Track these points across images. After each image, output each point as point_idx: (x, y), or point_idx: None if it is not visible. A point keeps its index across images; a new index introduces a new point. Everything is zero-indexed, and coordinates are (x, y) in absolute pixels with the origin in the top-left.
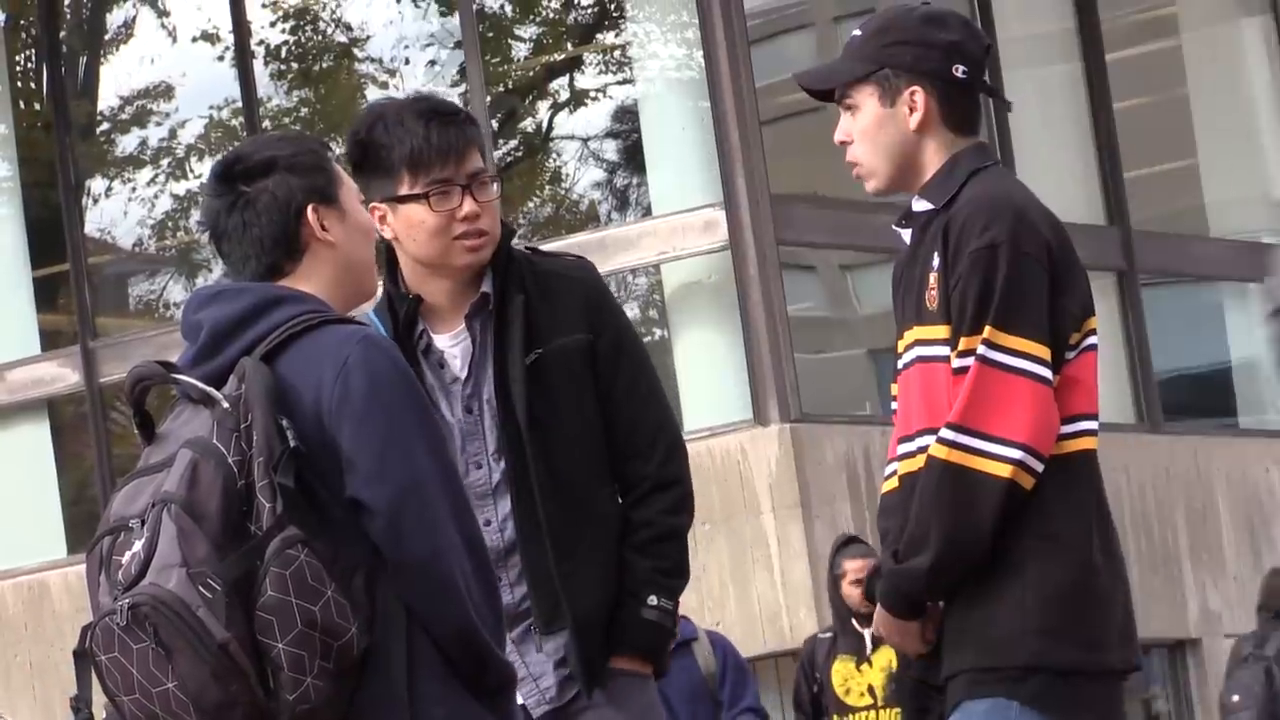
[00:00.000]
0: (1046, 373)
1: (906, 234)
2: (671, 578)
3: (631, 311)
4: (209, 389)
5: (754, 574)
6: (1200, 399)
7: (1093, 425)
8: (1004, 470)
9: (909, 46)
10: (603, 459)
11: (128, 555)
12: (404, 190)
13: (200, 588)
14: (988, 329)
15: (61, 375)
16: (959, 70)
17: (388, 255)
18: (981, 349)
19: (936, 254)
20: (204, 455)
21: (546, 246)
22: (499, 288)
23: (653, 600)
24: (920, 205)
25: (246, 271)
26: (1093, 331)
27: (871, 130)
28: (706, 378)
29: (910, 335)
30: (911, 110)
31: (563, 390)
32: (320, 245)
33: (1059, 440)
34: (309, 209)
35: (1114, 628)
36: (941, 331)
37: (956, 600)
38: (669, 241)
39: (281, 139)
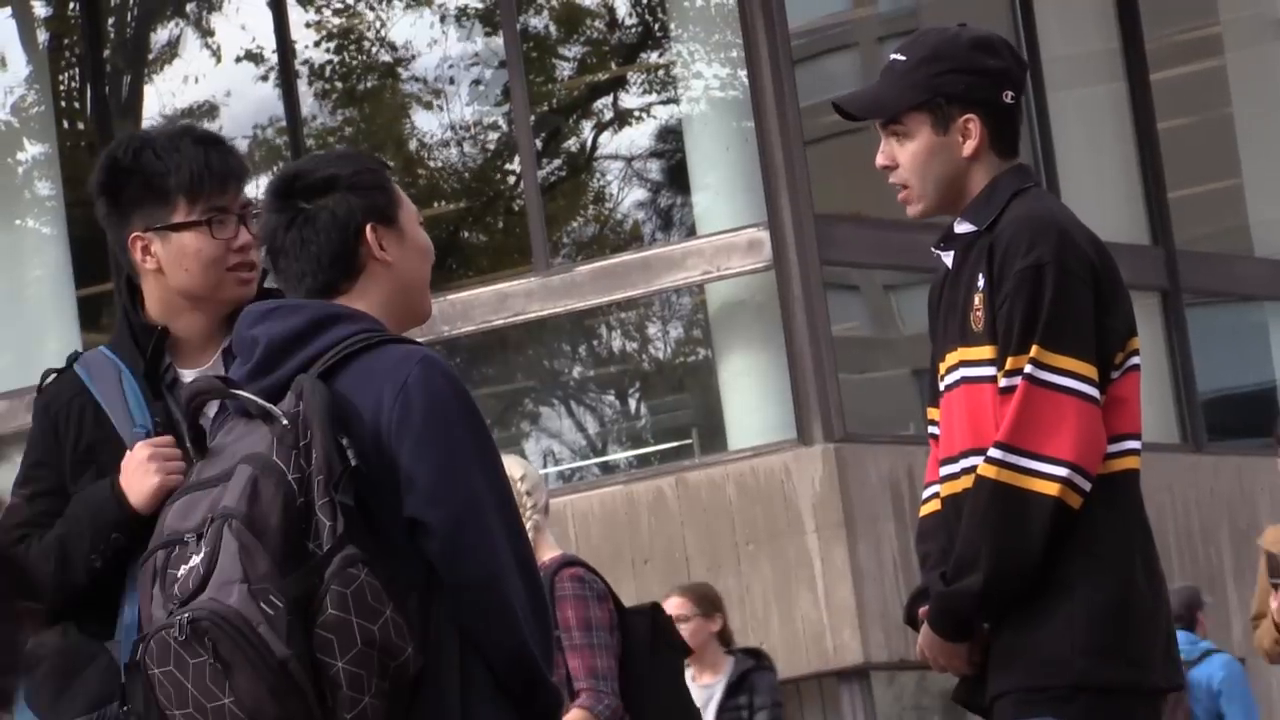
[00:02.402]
0: (1094, 391)
1: (947, 256)
2: None
3: (675, 331)
4: (268, 405)
5: (798, 594)
6: (1244, 418)
7: (1136, 445)
8: (1052, 489)
9: (962, 75)
10: None
11: (184, 569)
12: (179, 217)
13: (262, 604)
14: (1035, 348)
15: None
16: (1008, 96)
17: (128, 287)
18: (1029, 368)
19: (981, 275)
20: (264, 472)
21: (583, 269)
22: None
23: None
24: (963, 227)
25: (302, 288)
26: (1135, 351)
27: (923, 157)
28: (750, 397)
29: (954, 357)
30: (965, 138)
31: None
32: (377, 265)
33: (1105, 460)
34: (368, 228)
35: (1158, 646)
36: (987, 352)
37: (1004, 621)
38: (713, 261)
39: (342, 157)
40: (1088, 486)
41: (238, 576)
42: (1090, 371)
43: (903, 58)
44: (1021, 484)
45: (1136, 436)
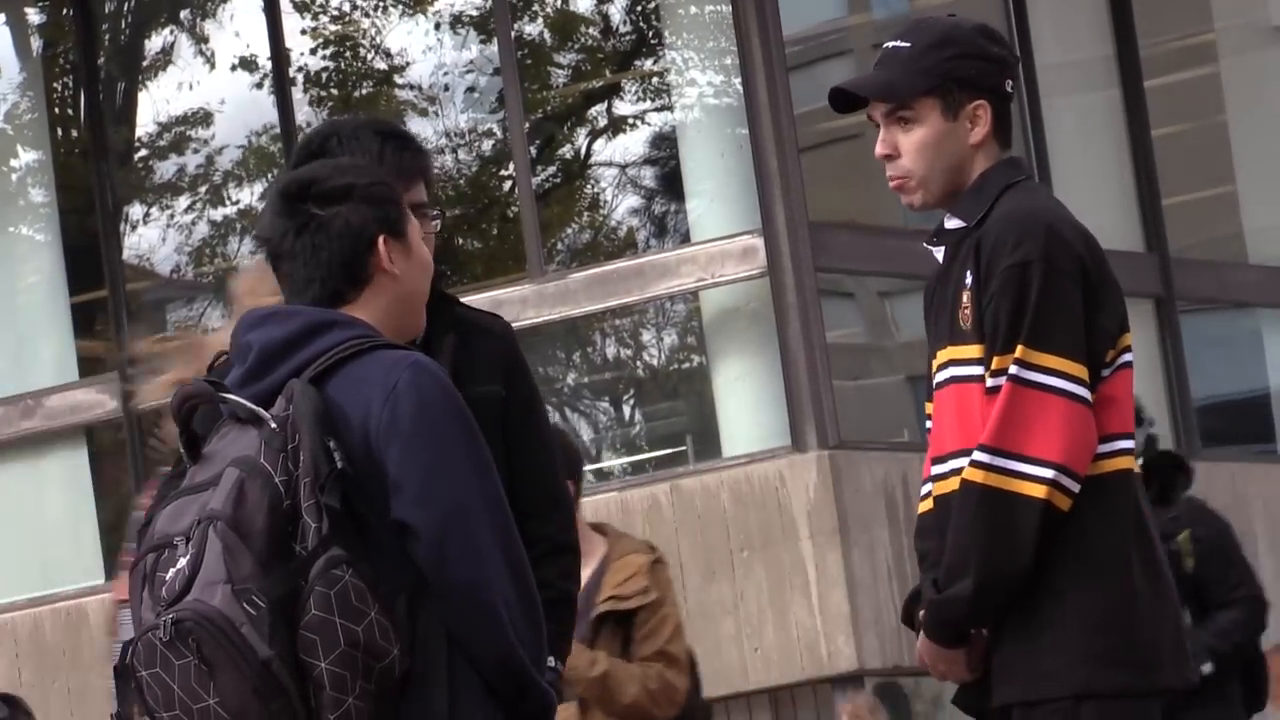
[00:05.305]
0: (1081, 391)
1: (939, 252)
2: (564, 642)
3: (669, 338)
4: (257, 409)
5: (792, 601)
6: (1238, 426)
7: (1128, 444)
8: (1039, 491)
9: (972, 60)
10: None
11: (171, 572)
12: None
13: (244, 604)
14: (1020, 348)
15: (100, 402)
16: (1009, 85)
17: None
18: (1014, 368)
19: (969, 272)
20: (250, 474)
21: (577, 276)
22: (428, 324)
23: (551, 662)
24: (953, 223)
25: (308, 295)
26: (1128, 349)
27: (932, 144)
28: (745, 404)
29: (944, 355)
30: (974, 124)
31: None
32: (384, 276)
33: (1095, 460)
34: (380, 240)
35: (1164, 646)
36: (975, 351)
37: (1002, 628)
38: (707, 268)
39: (355, 167)
40: (1076, 487)
41: (221, 577)
42: (1078, 371)
43: (906, 44)
44: (1009, 487)
45: (1129, 436)
